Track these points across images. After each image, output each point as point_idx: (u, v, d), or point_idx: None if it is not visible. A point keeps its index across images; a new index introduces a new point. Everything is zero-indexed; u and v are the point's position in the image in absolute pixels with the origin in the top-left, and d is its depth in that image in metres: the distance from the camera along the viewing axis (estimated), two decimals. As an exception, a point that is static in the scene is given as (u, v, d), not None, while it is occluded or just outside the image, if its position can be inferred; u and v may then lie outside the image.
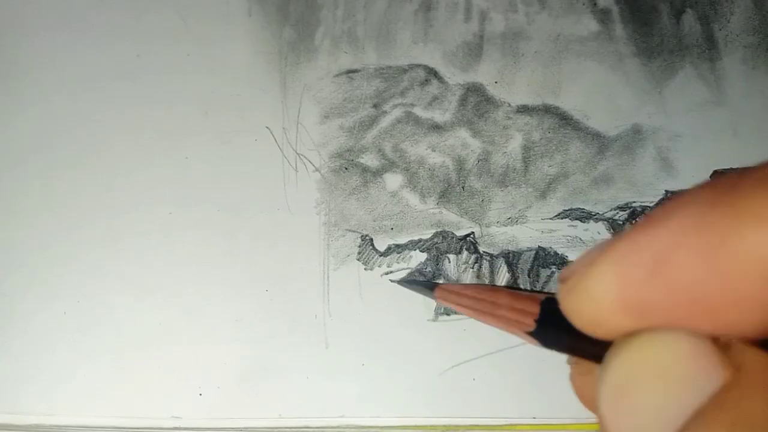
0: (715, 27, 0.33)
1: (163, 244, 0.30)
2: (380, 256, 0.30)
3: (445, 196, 0.31)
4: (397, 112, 0.32)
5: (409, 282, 0.18)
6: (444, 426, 0.27)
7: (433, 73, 0.33)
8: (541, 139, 0.31)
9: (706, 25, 0.33)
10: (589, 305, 0.10)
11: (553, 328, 0.12)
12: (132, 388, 0.28)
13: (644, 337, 0.10)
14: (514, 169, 0.31)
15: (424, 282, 0.15)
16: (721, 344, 0.09)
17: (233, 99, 0.32)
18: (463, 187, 0.31)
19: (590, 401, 0.12)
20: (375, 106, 0.32)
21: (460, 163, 0.31)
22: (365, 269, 0.29)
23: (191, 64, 0.33)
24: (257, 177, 0.31)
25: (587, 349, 0.11)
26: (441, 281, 0.14)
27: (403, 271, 0.29)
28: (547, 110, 0.32)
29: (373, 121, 0.32)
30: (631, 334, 0.10)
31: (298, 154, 0.31)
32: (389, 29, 0.33)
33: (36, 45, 0.34)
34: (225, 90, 0.32)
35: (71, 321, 0.29)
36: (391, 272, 0.29)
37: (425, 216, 0.30)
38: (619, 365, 0.10)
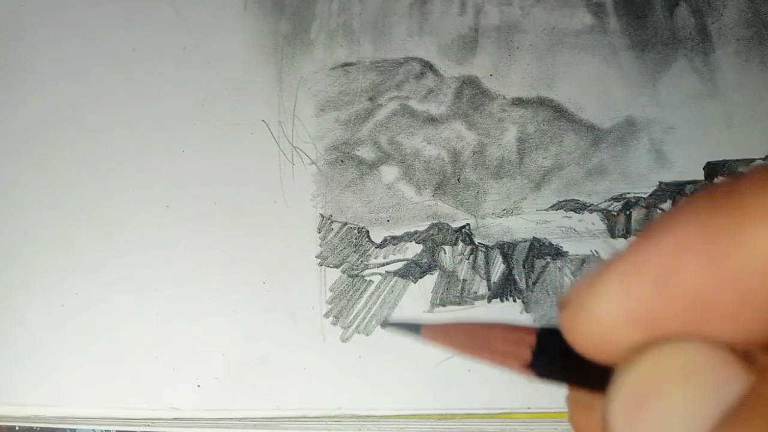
0: (709, 20, 0.33)
1: (161, 237, 0.30)
2: (376, 248, 0.30)
3: (440, 188, 0.31)
4: (393, 105, 0.32)
5: (394, 324, 0.18)
6: (440, 415, 0.28)
7: (428, 66, 0.33)
8: (535, 131, 0.32)
9: (700, 18, 0.33)
10: (595, 325, 0.10)
11: (550, 359, 0.12)
12: (130, 379, 0.28)
13: (661, 346, 0.09)
14: (509, 161, 0.31)
15: (410, 324, 0.16)
16: (739, 353, 0.09)
17: (229, 92, 0.32)
18: (458, 180, 0.31)
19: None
20: (370, 99, 0.32)
21: (455, 156, 0.31)
22: (361, 261, 0.30)
23: (187, 57, 0.33)
24: (254, 170, 0.31)
25: (586, 378, 0.11)
26: (424, 322, 0.14)
27: (399, 263, 0.30)
28: (542, 103, 0.32)
29: (368, 114, 0.32)
30: (640, 349, 0.10)
31: (294, 147, 0.31)
32: (385, 22, 0.33)
33: (32, 39, 0.34)
34: (221, 83, 0.32)
35: (69, 313, 0.29)
36: (387, 262, 0.30)
37: (421, 208, 0.31)
38: (636, 376, 0.10)
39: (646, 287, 0.09)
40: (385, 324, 0.21)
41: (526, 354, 0.12)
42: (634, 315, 0.09)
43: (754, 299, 0.08)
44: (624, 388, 0.10)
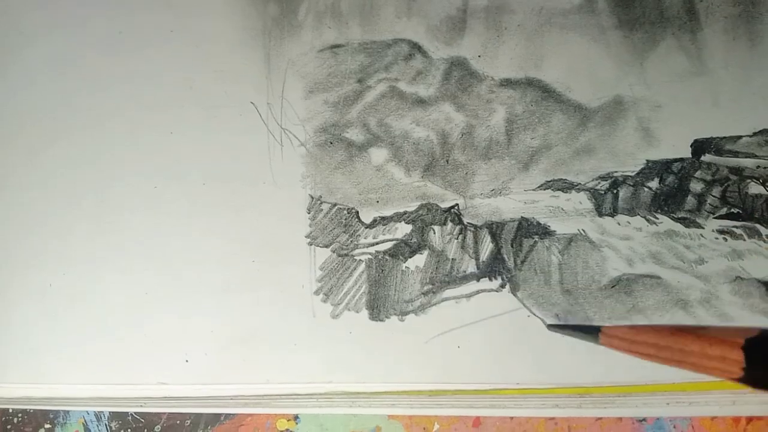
0: (696, -1, 0.33)
1: (149, 217, 0.30)
2: (366, 228, 0.30)
3: (429, 169, 0.31)
4: (382, 87, 0.32)
5: (567, 327, 0.16)
6: (430, 391, 0.28)
7: (416, 47, 0.33)
8: (524, 111, 0.32)
9: (687, -3, 0.33)
10: None
11: (764, 372, 0.11)
12: (118, 356, 0.29)
13: None
14: (498, 142, 0.31)
15: (585, 326, 0.14)
16: None
17: (217, 75, 0.32)
18: (447, 161, 0.31)
19: None
20: (359, 81, 0.32)
21: (444, 137, 0.31)
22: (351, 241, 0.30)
23: (175, 40, 0.33)
24: (242, 151, 0.31)
25: None
26: (601, 324, 0.12)
27: (389, 242, 0.30)
28: (530, 83, 0.32)
29: (357, 96, 0.32)
30: None
31: (283, 128, 0.32)
32: (373, 4, 0.33)
33: (19, 23, 0.34)
34: (209, 66, 0.32)
35: (57, 293, 0.30)
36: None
37: (410, 189, 0.31)
38: None
39: None
40: (553, 327, 0.19)
41: (736, 370, 0.11)
42: None
43: None
44: None
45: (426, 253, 0.30)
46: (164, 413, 0.31)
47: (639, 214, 0.29)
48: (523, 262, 0.29)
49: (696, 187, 0.29)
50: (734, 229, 0.29)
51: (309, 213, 0.30)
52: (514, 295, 0.28)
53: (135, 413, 0.31)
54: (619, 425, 0.29)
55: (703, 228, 0.29)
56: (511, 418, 0.29)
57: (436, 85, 0.32)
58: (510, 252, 0.29)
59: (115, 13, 0.33)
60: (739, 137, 0.30)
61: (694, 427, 0.28)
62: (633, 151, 0.31)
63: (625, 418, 0.29)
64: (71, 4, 0.34)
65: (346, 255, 0.30)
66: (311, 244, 0.30)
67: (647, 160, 0.30)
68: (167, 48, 0.33)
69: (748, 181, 0.29)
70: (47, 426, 0.32)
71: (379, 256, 0.30)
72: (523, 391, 0.28)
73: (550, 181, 0.31)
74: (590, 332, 0.14)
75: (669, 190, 0.30)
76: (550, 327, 0.19)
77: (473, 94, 0.32)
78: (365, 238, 0.30)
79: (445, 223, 0.30)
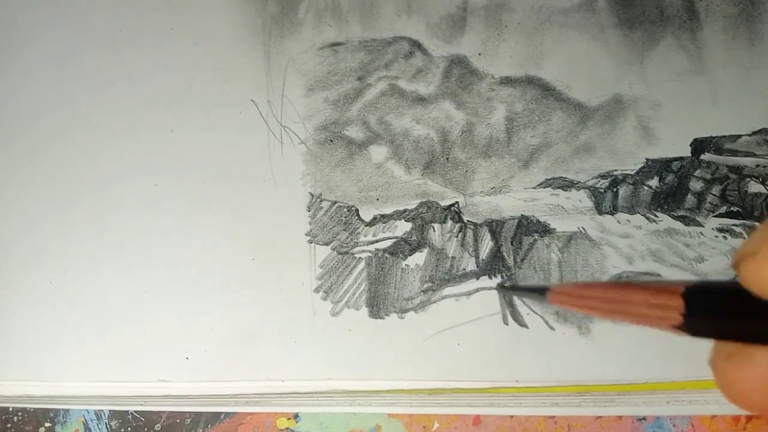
0: (696, -3, 0.33)
1: (149, 215, 0.30)
2: (366, 226, 0.30)
3: (429, 167, 0.31)
4: (382, 85, 0.32)
5: (516, 288, 0.16)
6: (429, 389, 0.28)
7: (417, 45, 0.33)
8: (524, 110, 0.32)
9: (687, -4, 0.33)
10: None
11: (704, 319, 0.11)
12: (118, 354, 0.29)
13: None
14: (498, 140, 0.31)
15: (533, 286, 0.14)
16: None
17: (217, 72, 0.32)
18: (447, 159, 0.31)
19: (743, 393, 0.11)
20: (359, 78, 0.32)
21: (444, 135, 0.31)
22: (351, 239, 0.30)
23: (174, 38, 0.33)
24: (242, 149, 0.31)
25: (748, 332, 0.11)
26: (550, 283, 0.13)
27: (389, 240, 0.30)
28: (530, 81, 0.32)
29: (357, 93, 0.32)
30: None
31: (283, 126, 0.32)
32: (373, 2, 0.33)
33: (19, 22, 0.34)
34: (209, 63, 0.32)
35: (57, 291, 0.30)
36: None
37: (410, 187, 0.31)
38: None
39: None
40: (504, 288, 0.19)
41: (675, 316, 0.12)
42: None
43: None
44: None
45: (426, 251, 0.30)
46: (164, 412, 0.31)
47: (639, 212, 0.30)
48: (522, 260, 0.29)
49: (696, 185, 0.29)
50: (734, 228, 0.29)
51: (309, 211, 0.30)
52: (515, 293, 0.28)
53: (135, 412, 0.31)
54: (618, 424, 0.29)
55: (702, 226, 0.29)
56: (511, 416, 0.29)
57: (437, 83, 0.32)
58: (510, 250, 0.29)
59: (115, 11, 0.33)
60: (739, 136, 0.30)
61: (694, 426, 0.28)
62: (633, 150, 0.31)
63: (625, 417, 0.29)
64: (71, 2, 0.34)
65: (346, 253, 0.30)
66: (311, 242, 0.30)
67: (647, 159, 0.30)
68: (167, 46, 0.33)
69: (748, 179, 0.29)
70: (47, 425, 0.32)
71: (379, 254, 0.30)
72: (522, 390, 0.28)
73: (550, 179, 0.31)
74: (539, 291, 0.14)
75: (669, 188, 0.30)
76: (500, 288, 0.19)
77: (473, 92, 0.32)
78: (365, 236, 0.30)
79: (444, 221, 0.30)
